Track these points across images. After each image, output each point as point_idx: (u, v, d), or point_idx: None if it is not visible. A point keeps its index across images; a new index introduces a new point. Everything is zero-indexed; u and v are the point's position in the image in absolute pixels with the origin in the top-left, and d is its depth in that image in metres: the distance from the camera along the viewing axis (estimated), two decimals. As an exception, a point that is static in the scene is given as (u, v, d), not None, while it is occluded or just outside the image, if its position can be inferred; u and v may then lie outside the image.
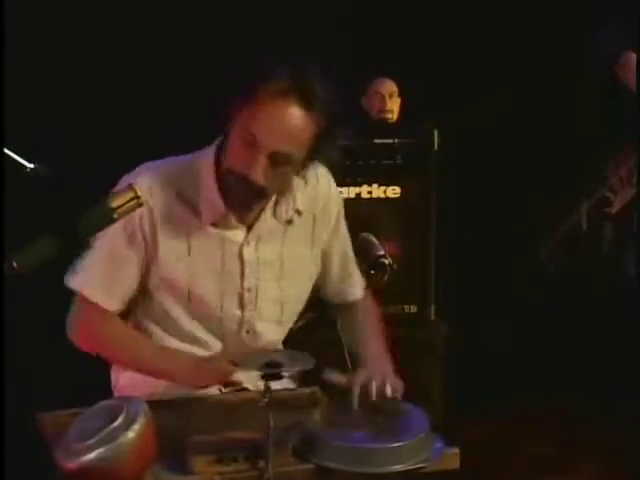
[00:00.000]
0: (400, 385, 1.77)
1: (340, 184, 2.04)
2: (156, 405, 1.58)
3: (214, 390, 1.83)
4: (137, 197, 1.43)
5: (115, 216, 1.41)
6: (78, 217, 1.39)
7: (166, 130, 3.37)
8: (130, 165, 2.32)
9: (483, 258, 4.01)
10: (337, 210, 1.96)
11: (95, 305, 1.82)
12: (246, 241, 1.83)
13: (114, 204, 1.40)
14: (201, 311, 1.84)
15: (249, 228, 1.83)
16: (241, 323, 1.87)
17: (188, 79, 3.54)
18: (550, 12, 4.00)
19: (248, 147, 1.68)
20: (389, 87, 3.72)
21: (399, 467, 1.52)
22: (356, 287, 2.05)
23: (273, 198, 1.82)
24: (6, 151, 1.65)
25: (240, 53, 3.60)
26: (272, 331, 1.92)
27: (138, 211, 1.69)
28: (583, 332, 3.86)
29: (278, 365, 1.45)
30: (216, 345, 1.88)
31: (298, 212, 1.86)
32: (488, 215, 4.07)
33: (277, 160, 1.69)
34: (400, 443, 1.54)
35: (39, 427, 1.66)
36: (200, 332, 1.86)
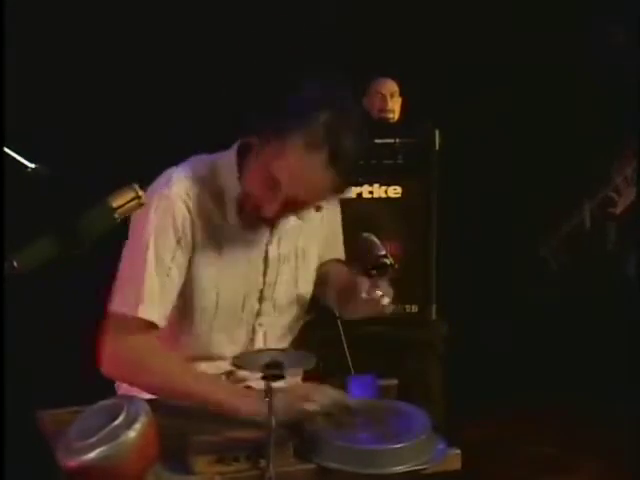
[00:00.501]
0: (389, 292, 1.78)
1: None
2: (157, 404, 1.58)
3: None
4: (138, 197, 1.42)
5: (116, 216, 1.41)
6: (79, 217, 1.39)
7: (166, 130, 3.37)
8: (130, 165, 2.32)
9: (483, 258, 4.01)
10: (339, 213, 2.01)
11: (143, 325, 1.72)
12: (269, 241, 1.85)
13: (115, 204, 1.40)
14: (225, 312, 1.83)
15: (272, 227, 1.84)
16: (257, 315, 1.88)
17: (188, 79, 3.54)
18: (550, 12, 4.00)
19: (268, 186, 1.68)
20: (390, 87, 3.72)
21: (401, 468, 1.52)
22: (341, 253, 2.07)
23: None
24: (7, 151, 1.65)
25: (240, 53, 3.60)
26: (285, 322, 1.92)
27: (182, 216, 1.74)
28: (583, 332, 3.86)
29: (279, 365, 1.45)
30: (232, 343, 1.86)
31: (318, 208, 1.85)
32: (489, 215, 4.07)
33: (293, 203, 1.71)
34: (402, 444, 1.53)
35: (39, 425, 1.66)
36: (216, 340, 1.84)
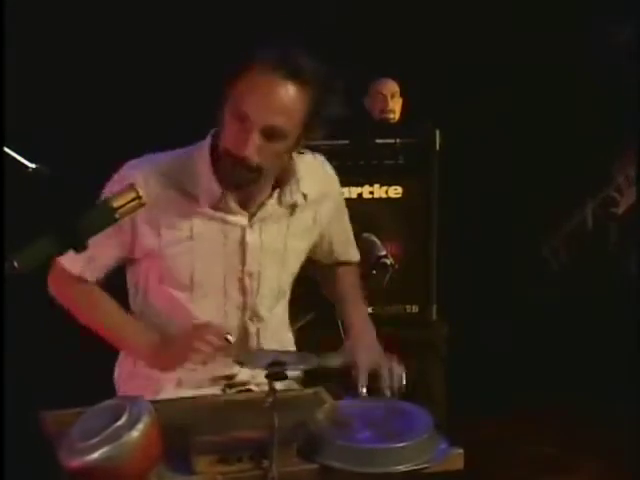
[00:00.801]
0: (402, 370, 1.84)
1: (342, 184, 2.05)
2: (160, 405, 1.58)
3: (217, 390, 1.82)
4: (139, 197, 1.42)
5: (116, 216, 1.41)
6: (79, 217, 1.38)
7: (166, 130, 3.36)
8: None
9: (484, 258, 4.01)
10: (337, 203, 1.99)
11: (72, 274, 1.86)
12: (249, 225, 1.83)
13: (115, 204, 1.40)
14: (204, 297, 1.84)
15: (252, 215, 1.83)
16: (244, 309, 1.87)
17: (188, 79, 3.54)
18: (550, 12, 4.00)
19: (240, 125, 1.69)
20: (391, 87, 3.72)
21: (403, 467, 1.52)
22: (355, 250, 2.10)
23: (276, 190, 1.83)
24: (7, 151, 1.65)
25: (240, 54, 3.59)
26: (275, 320, 1.93)
27: None
28: (583, 332, 3.86)
29: (282, 364, 1.45)
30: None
31: (304, 196, 1.86)
32: (489, 215, 4.07)
33: (270, 135, 1.69)
34: (404, 443, 1.53)
35: (42, 426, 1.65)
36: (204, 316, 1.84)
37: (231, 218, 1.81)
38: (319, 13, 3.81)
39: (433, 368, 3.16)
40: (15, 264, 1.33)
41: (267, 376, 1.45)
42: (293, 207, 1.86)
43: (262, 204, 1.83)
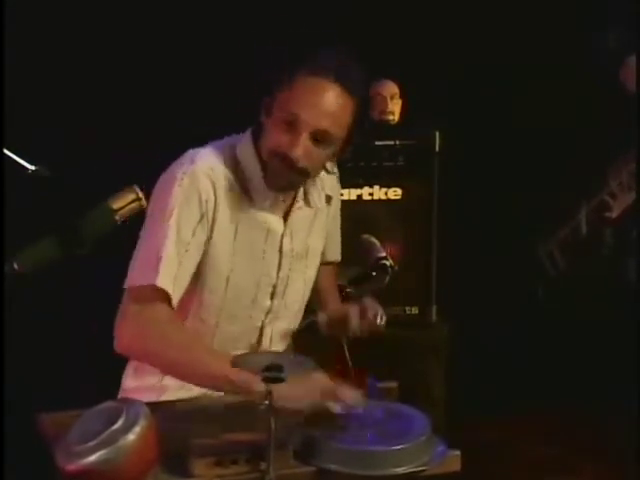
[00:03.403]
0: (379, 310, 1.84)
1: (341, 186, 2.06)
2: (156, 407, 1.57)
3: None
4: (139, 199, 1.43)
5: (117, 217, 1.41)
6: (79, 219, 1.39)
7: (167, 131, 3.37)
8: (131, 166, 2.32)
9: (484, 259, 4.01)
10: (337, 200, 2.02)
11: (157, 297, 1.67)
12: (285, 232, 1.85)
13: (115, 205, 1.40)
14: (234, 300, 1.82)
15: (285, 218, 1.85)
16: (269, 312, 1.87)
17: (188, 80, 3.54)
18: (551, 13, 4.00)
19: (289, 127, 1.70)
20: (390, 89, 3.73)
21: (400, 470, 1.52)
22: (339, 252, 2.10)
23: (302, 189, 1.84)
24: (7, 152, 1.65)
25: (240, 54, 3.60)
26: (290, 319, 1.93)
27: (205, 192, 1.72)
28: (584, 333, 3.86)
29: (279, 368, 1.45)
30: (240, 340, 1.86)
31: (328, 198, 1.89)
32: (489, 216, 4.07)
33: (318, 139, 1.71)
34: (401, 446, 1.53)
35: (39, 428, 1.65)
36: (224, 330, 1.83)
37: (271, 223, 1.82)
38: (319, 14, 3.81)
39: (433, 369, 3.17)
40: (15, 265, 1.34)
41: (264, 380, 1.45)
42: (317, 209, 1.88)
43: (291, 207, 1.84)
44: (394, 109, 3.72)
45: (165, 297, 1.68)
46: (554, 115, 4.01)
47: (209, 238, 1.75)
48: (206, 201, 1.73)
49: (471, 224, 3.93)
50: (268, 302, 1.86)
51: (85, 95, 3.43)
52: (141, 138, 3.40)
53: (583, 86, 3.88)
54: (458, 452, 1.60)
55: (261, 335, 1.89)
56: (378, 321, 1.81)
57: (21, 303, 2.10)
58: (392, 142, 3.18)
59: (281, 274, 1.85)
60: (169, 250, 1.68)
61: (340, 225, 2.08)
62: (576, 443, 3.44)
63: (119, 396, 1.92)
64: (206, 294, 1.79)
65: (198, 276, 1.77)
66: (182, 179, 1.72)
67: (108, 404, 1.50)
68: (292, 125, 1.69)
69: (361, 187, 3.13)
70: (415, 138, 3.20)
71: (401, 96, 3.74)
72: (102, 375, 2.01)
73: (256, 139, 1.79)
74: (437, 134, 3.17)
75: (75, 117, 3.38)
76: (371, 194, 3.15)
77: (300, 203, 1.85)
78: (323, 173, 1.87)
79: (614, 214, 3.60)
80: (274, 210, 1.82)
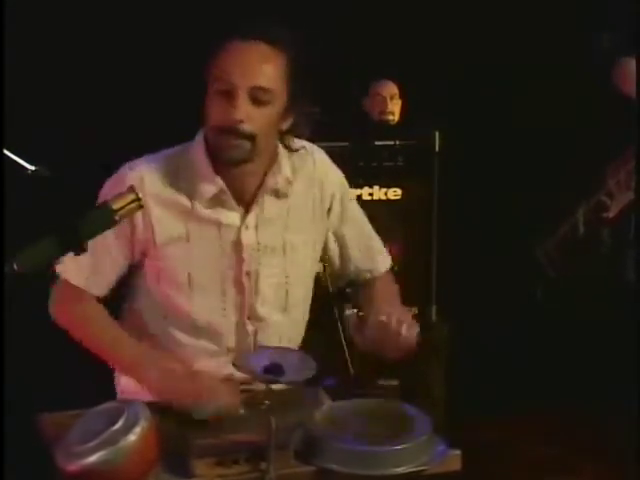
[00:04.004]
0: (416, 326, 1.78)
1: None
2: (157, 407, 1.58)
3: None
4: (138, 199, 1.43)
5: (116, 218, 1.41)
6: (79, 219, 1.39)
7: (167, 131, 3.36)
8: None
9: (483, 259, 4.01)
10: (339, 193, 1.95)
11: (78, 290, 1.82)
12: (244, 225, 1.82)
13: (115, 206, 1.40)
14: (204, 299, 1.82)
15: (247, 210, 1.82)
16: (242, 309, 1.85)
17: (189, 80, 3.53)
18: (550, 13, 4.00)
19: (226, 96, 1.71)
20: (390, 89, 3.73)
21: (401, 469, 1.51)
22: (382, 260, 2.04)
23: (267, 175, 1.81)
24: (7, 153, 1.65)
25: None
26: (278, 319, 1.89)
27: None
28: (584, 333, 3.86)
29: (279, 368, 1.44)
30: (221, 338, 1.86)
31: (289, 181, 1.83)
32: (489, 216, 4.07)
33: (256, 99, 1.71)
34: (402, 445, 1.53)
35: (40, 428, 1.65)
36: (204, 323, 1.84)
37: (226, 219, 1.81)
38: (319, 15, 3.81)
39: (433, 369, 3.17)
40: (15, 265, 1.34)
41: (263, 381, 1.44)
42: (277, 193, 1.83)
43: (256, 197, 1.81)
44: (394, 109, 3.72)
45: (80, 291, 1.82)
46: (554, 115, 4.01)
47: (150, 247, 1.78)
48: None
49: (471, 224, 3.93)
50: (238, 297, 1.83)
51: (85, 95, 3.42)
52: (141, 138, 3.38)
53: (583, 86, 3.88)
54: (458, 452, 1.60)
55: (244, 334, 1.86)
56: (415, 333, 1.76)
57: (21, 303, 2.10)
58: (392, 142, 3.19)
59: (245, 267, 1.82)
60: (88, 253, 1.67)
61: (367, 231, 2.02)
62: (576, 443, 3.44)
63: (118, 395, 1.93)
64: (175, 292, 1.81)
65: (161, 279, 1.81)
66: (108, 187, 1.78)
67: (109, 404, 1.51)
68: (227, 93, 1.70)
69: (361, 187, 3.14)
70: (415, 138, 3.20)
71: (401, 96, 3.74)
72: (102, 375, 2.01)
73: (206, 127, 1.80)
74: (437, 134, 3.18)
75: (75, 117, 3.38)
76: (371, 194, 3.15)
77: (267, 190, 1.81)
78: (284, 157, 1.83)
79: (611, 214, 3.60)
80: (227, 202, 1.79)
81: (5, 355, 1.93)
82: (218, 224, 1.80)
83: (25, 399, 2.18)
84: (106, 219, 1.41)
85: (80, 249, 1.39)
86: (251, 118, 1.70)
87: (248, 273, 1.83)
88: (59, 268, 1.80)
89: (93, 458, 1.38)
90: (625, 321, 3.47)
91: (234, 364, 1.57)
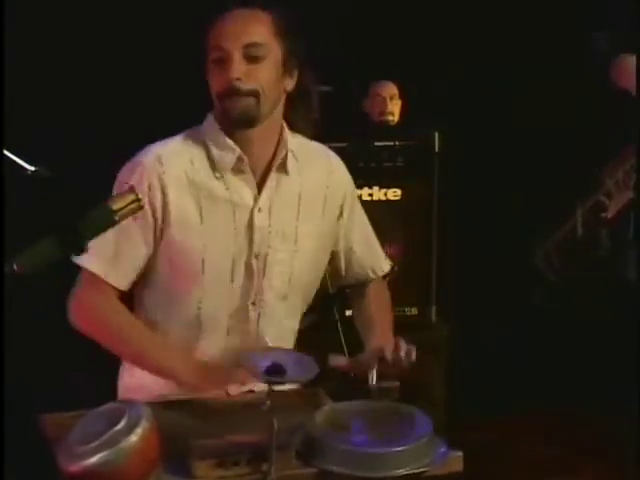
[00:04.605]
0: (412, 349, 1.79)
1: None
2: (158, 407, 1.57)
3: (221, 393, 1.81)
4: (138, 200, 1.42)
5: (116, 218, 1.41)
6: (79, 219, 1.38)
7: (167, 132, 3.36)
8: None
9: (483, 260, 4.01)
10: (350, 196, 1.97)
11: (99, 284, 1.80)
12: (257, 207, 1.82)
13: (115, 206, 1.40)
14: (213, 283, 1.82)
15: (259, 189, 1.82)
16: (248, 292, 1.85)
17: (189, 81, 3.53)
18: (550, 13, 4.00)
19: (221, 62, 1.76)
20: (390, 89, 3.73)
21: (402, 471, 1.51)
22: (383, 260, 2.06)
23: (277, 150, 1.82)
24: (7, 153, 1.65)
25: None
26: (278, 307, 1.89)
27: (147, 183, 1.76)
28: (584, 333, 3.87)
29: (281, 368, 1.44)
30: (224, 323, 1.86)
31: (292, 153, 1.85)
32: (489, 217, 4.07)
33: (249, 54, 1.75)
34: (403, 447, 1.53)
35: (41, 428, 1.65)
36: (210, 311, 1.83)
37: (240, 199, 1.81)
38: (319, 15, 3.81)
39: (433, 369, 3.16)
40: (15, 266, 1.34)
41: (266, 381, 1.44)
42: (284, 167, 1.84)
43: (268, 174, 1.82)
44: (393, 110, 3.72)
45: (106, 284, 1.80)
46: (553, 115, 4.01)
47: (169, 226, 1.78)
48: (149, 192, 1.76)
49: (471, 224, 3.93)
50: (246, 279, 1.84)
51: (85, 95, 3.42)
52: (141, 139, 3.39)
53: (582, 86, 3.88)
54: (460, 453, 1.59)
55: (246, 318, 1.86)
56: (404, 357, 1.77)
57: (21, 303, 2.10)
58: (392, 143, 3.18)
59: (255, 249, 1.83)
60: (110, 241, 1.75)
61: (371, 233, 2.03)
62: (576, 443, 3.44)
63: (119, 395, 1.93)
64: (184, 279, 1.81)
65: (172, 263, 1.80)
66: (129, 172, 1.79)
67: (110, 405, 1.50)
68: (222, 60, 1.75)
69: (360, 188, 3.12)
70: (415, 139, 3.20)
71: (400, 97, 3.74)
72: (103, 375, 2.01)
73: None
74: (437, 135, 3.17)
75: (75, 117, 3.38)
76: (370, 195, 3.15)
77: (276, 169, 1.82)
78: (287, 133, 1.84)
79: (610, 214, 3.60)
80: (242, 179, 1.81)
81: (5, 355, 1.93)
82: (233, 204, 1.81)
83: (25, 399, 2.18)
84: (106, 219, 1.41)
85: (80, 250, 1.39)
86: (249, 75, 1.74)
87: (257, 256, 1.83)
88: (82, 261, 1.76)
89: (94, 459, 1.38)
90: (625, 321, 3.47)
91: (237, 364, 1.56)
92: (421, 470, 1.53)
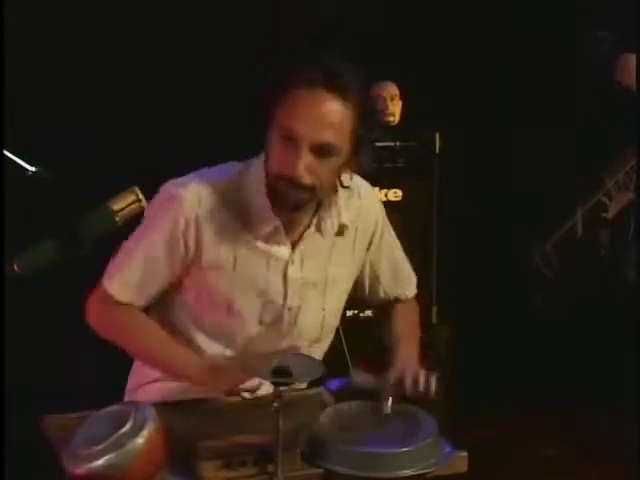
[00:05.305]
0: (432, 380, 1.76)
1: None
2: (163, 409, 1.57)
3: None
4: (139, 200, 1.42)
5: (117, 219, 1.41)
6: (80, 220, 1.38)
7: (167, 133, 3.37)
8: (131, 166, 2.31)
9: (484, 261, 4.01)
10: (380, 226, 1.93)
11: (121, 303, 1.80)
12: (291, 259, 1.80)
13: (116, 207, 1.40)
14: (237, 325, 1.81)
15: (293, 246, 1.80)
16: (277, 340, 1.83)
17: (189, 82, 3.53)
18: (549, 14, 4.00)
19: (288, 144, 1.66)
20: (390, 90, 3.72)
21: (407, 471, 1.52)
22: (410, 285, 2.04)
23: (316, 216, 1.79)
24: (7, 154, 1.64)
25: (240, 55, 3.59)
26: (310, 349, 1.87)
27: (184, 219, 1.74)
28: (584, 334, 3.87)
29: (287, 370, 1.44)
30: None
31: (344, 227, 1.82)
32: (489, 217, 4.07)
33: (319, 152, 1.66)
34: (408, 448, 1.53)
35: (44, 430, 1.64)
36: (240, 340, 1.82)
37: (275, 251, 1.79)
38: (319, 15, 3.81)
39: (433, 370, 3.16)
40: (15, 266, 1.33)
41: (273, 382, 1.44)
42: (336, 234, 1.81)
43: (302, 234, 1.80)
44: (394, 110, 3.71)
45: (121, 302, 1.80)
46: (554, 115, 4.01)
47: (198, 266, 1.76)
48: (185, 226, 1.74)
49: (471, 224, 3.93)
50: (276, 327, 1.82)
51: (85, 95, 3.42)
52: (141, 139, 3.39)
53: (582, 86, 3.89)
54: (465, 453, 1.60)
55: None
56: (423, 389, 1.75)
57: (21, 303, 2.09)
58: (392, 143, 3.18)
59: (289, 302, 1.81)
60: (137, 270, 1.77)
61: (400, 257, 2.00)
62: (576, 443, 3.44)
63: (125, 396, 1.93)
64: (210, 313, 1.80)
65: (202, 302, 1.80)
66: (166, 201, 1.75)
67: (115, 407, 1.50)
68: (291, 141, 1.65)
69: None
70: (415, 139, 3.20)
71: (401, 97, 3.74)
72: (107, 376, 2.00)
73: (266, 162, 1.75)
74: (437, 135, 3.17)
75: (75, 117, 3.37)
76: (371, 195, 3.14)
77: (312, 230, 1.79)
78: (342, 200, 1.80)
79: (610, 214, 3.61)
80: (279, 238, 1.78)
81: (7, 356, 1.92)
82: (268, 255, 1.78)
83: (29, 400, 2.18)
84: (107, 220, 1.41)
85: (80, 250, 1.39)
86: (313, 171, 1.66)
87: (290, 308, 1.82)
88: (107, 285, 1.79)
89: (100, 462, 1.37)
90: (625, 321, 3.47)
91: (242, 367, 1.56)
92: (426, 470, 1.53)
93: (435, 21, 3.98)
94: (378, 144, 3.18)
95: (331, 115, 1.65)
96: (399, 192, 3.17)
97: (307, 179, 1.67)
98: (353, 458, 1.51)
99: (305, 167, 1.65)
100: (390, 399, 1.67)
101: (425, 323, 3.17)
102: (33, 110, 3.22)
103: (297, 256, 1.80)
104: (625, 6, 3.66)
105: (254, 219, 1.76)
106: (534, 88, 4.05)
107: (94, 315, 1.82)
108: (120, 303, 1.79)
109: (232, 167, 1.82)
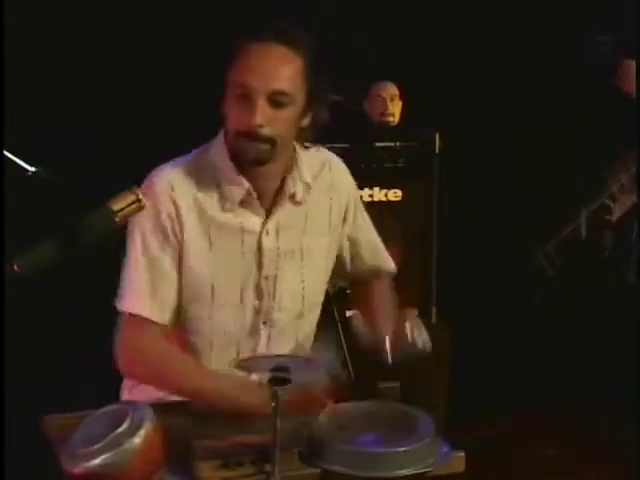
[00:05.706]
0: (425, 333, 1.82)
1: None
2: (161, 409, 1.57)
3: None
4: (138, 200, 1.42)
5: (117, 219, 1.41)
6: (79, 220, 1.38)
7: (167, 132, 3.37)
8: (131, 168, 2.31)
9: (484, 261, 4.01)
10: (353, 201, 1.96)
11: (142, 324, 1.77)
12: (265, 230, 1.82)
13: (115, 207, 1.40)
14: (222, 306, 1.82)
15: (267, 216, 1.82)
16: (258, 313, 1.85)
17: (189, 81, 3.54)
18: (549, 14, 4.00)
19: (244, 102, 1.70)
20: (390, 90, 3.73)
21: (405, 471, 1.51)
22: (388, 259, 2.06)
23: (282, 180, 1.80)
24: (7, 154, 1.64)
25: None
26: (291, 324, 1.89)
27: (164, 209, 1.75)
28: (584, 334, 3.87)
29: (285, 370, 1.44)
30: (236, 344, 1.85)
31: (307, 185, 1.84)
32: (489, 218, 4.07)
33: (274, 102, 1.70)
34: (406, 447, 1.53)
35: (43, 429, 1.65)
36: (221, 334, 1.83)
37: (247, 225, 1.81)
38: (319, 17, 3.81)
39: (433, 370, 3.16)
40: (15, 266, 1.33)
41: (270, 381, 1.44)
42: (295, 198, 1.83)
43: (275, 201, 1.82)
44: (394, 111, 3.72)
45: (149, 322, 1.76)
46: (554, 116, 4.01)
47: (181, 254, 1.77)
48: (168, 219, 1.76)
49: (471, 224, 3.93)
50: (256, 301, 1.83)
51: (85, 95, 3.43)
52: (141, 139, 3.39)
53: (584, 88, 3.89)
54: (462, 453, 1.60)
55: (257, 338, 1.86)
56: (411, 341, 1.78)
57: (21, 303, 2.10)
58: (392, 144, 3.19)
59: (264, 272, 1.83)
60: (143, 277, 1.76)
61: (375, 234, 2.02)
62: (576, 443, 3.44)
63: (121, 392, 1.93)
64: (194, 307, 1.81)
65: (182, 293, 1.80)
66: (145, 196, 1.73)
67: (113, 406, 1.50)
68: (246, 97, 1.69)
69: (361, 189, 3.12)
70: (415, 140, 3.21)
71: (401, 97, 3.74)
72: (105, 376, 2.00)
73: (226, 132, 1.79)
74: (437, 135, 3.17)
75: (75, 117, 3.38)
76: (371, 196, 3.15)
77: (285, 198, 1.81)
78: (302, 160, 1.83)
79: (615, 217, 3.61)
80: (253, 206, 1.80)
81: (7, 356, 1.93)
82: (241, 231, 1.80)
83: (28, 400, 2.18)
84: (106, 220, 1.41)
85: (80, 251, 1.39)
86: (270, 122, 1.70)
87: (267, 277, 1.83)
88: (119, 303, 1.77)
89: (98, 461, 1.37)
90: (625, 321, 3.47)
91: (242, 367, 1.56)
92: (424, 470, 1.53)
93: (435, 21, 3.98)
94: (378, 144, 3.20)
95: (282, 64, 1.71)
96: (399, 192, 3.17)
97: (265, 130, 1.70)
98: (351, 458, 1.51)
99: (262, 117, 1.69)
100: (389, 350, 1.71)
101: (425, 323, 3.19)
102: (33, 110, 3.23)
103: (272, 226, 1.82)
104: (625, 6, 3.66)
105: (224, 188, 1.78)
106: (534, 88, 4.05)
107: (125, 357, 1.77)
108: (149, 333, 1.75)
109: (194, 153, 1.84)
